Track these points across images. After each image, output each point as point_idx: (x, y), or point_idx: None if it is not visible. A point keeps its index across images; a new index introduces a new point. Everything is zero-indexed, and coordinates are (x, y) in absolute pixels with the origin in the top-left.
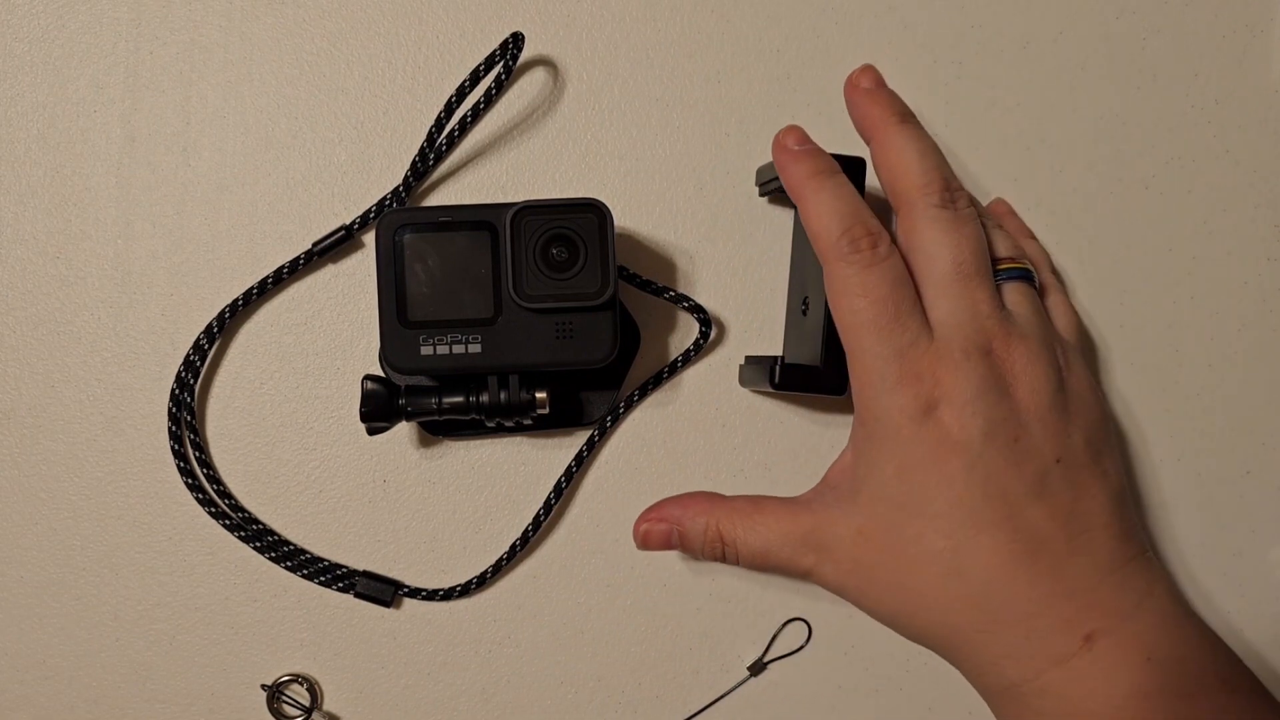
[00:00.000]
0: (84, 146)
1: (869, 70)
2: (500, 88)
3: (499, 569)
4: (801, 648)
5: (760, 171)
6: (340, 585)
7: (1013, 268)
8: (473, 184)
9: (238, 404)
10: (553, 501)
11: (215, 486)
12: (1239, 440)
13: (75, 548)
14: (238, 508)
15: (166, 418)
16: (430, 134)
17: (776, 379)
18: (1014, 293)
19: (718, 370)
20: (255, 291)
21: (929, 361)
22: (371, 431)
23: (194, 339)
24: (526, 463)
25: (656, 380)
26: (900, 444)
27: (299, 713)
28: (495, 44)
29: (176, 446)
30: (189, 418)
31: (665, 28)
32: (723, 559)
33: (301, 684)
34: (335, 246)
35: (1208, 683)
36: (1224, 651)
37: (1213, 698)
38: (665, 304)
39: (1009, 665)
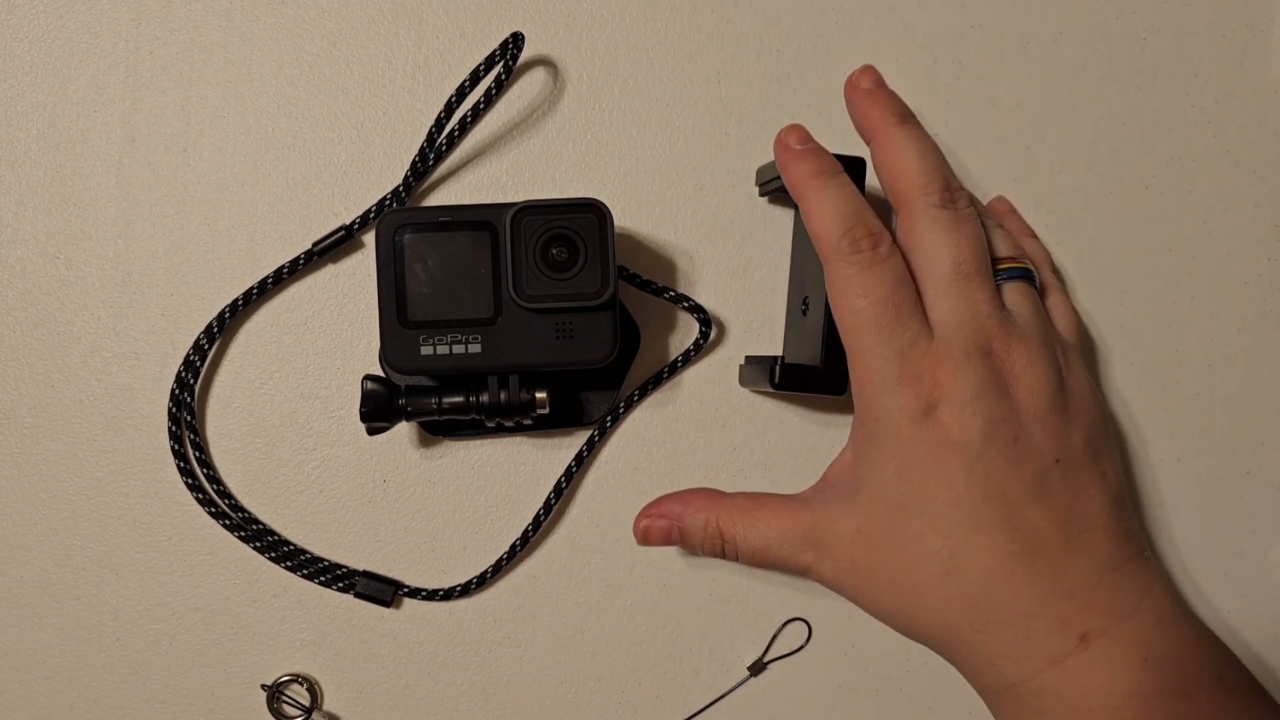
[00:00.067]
0: (84, 146)
1: (869, 70)
2: (500, 88)
3: (499, 569)
4: (801, 648)
5: (760, 171)
6: (340, 585)
7: (1013, 267)
8: (473, 184)
9: (238, 404)
10: (553, 501)
11: (215, 486)
12: (1239, 440)
13: (75, 548)
14: (238, 508)
15: (166, 418)
16: (430, 134)
17: (776, 379)
18: (1014, 292)
19: (718, 370)
20: (255, 291)
21: (929, 362)
22: (371, 431)
23: (194, 339)
24: (526, 463)
25: (656, 380)
26: (900, 444)
27: (299, 713)
28: (495, 44)
29: (176, 446)
30: (189, 418)
31: (665, 28)
32: (722, 555)
33: (301, 684)
34: (335, 246)
35: (1205, 682)
36: (1222, 651)
37: (1210, 697)
38: (665, 304)
39: (1006, 665)
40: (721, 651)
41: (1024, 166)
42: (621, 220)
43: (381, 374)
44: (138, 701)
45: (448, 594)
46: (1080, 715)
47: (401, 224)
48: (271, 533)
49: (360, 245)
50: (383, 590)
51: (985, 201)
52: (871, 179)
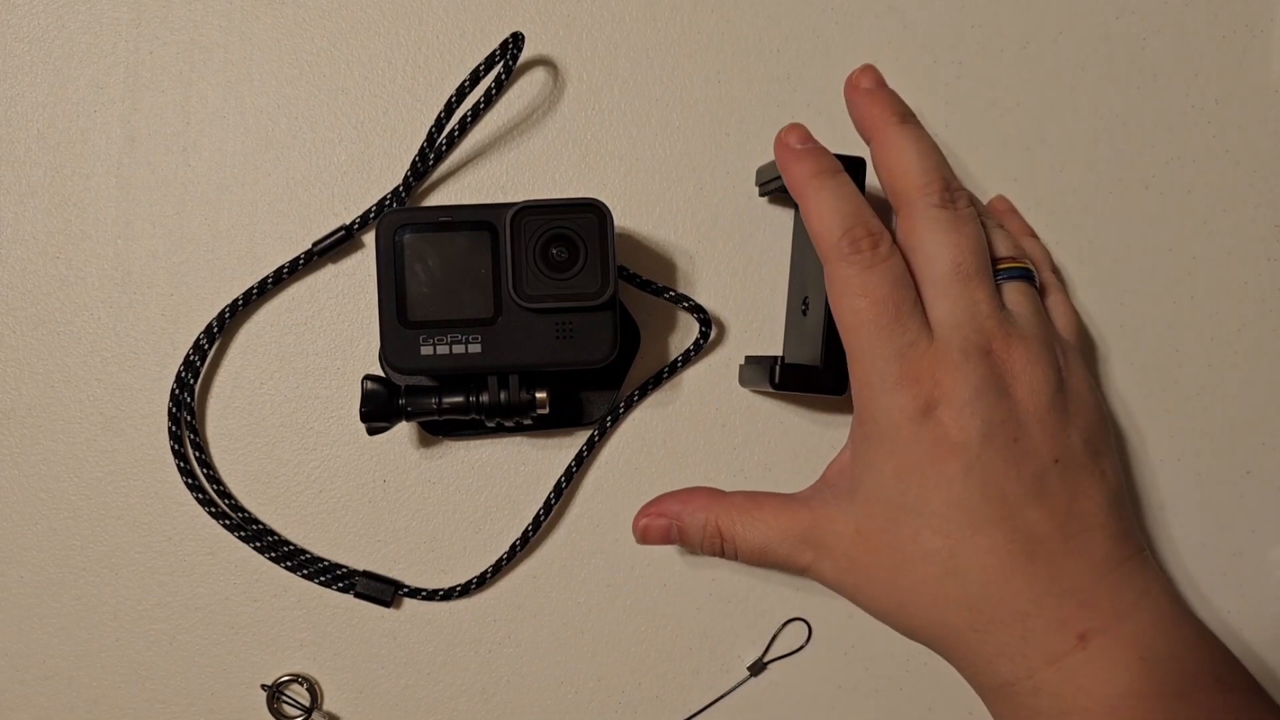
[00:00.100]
0: (84, 146)
1: (869, 70)
2: (500, 88)
3: (499, 569)
4: (801, 648)
5: (760, 171)
6: (340, 585)
7: (1013, 267)
8: (473, 184)
9: (238, 404)
10: (553, 501)
11: (215, 486)
12: (1239, 440)
13: (75, 548)
14: (238, 508)
15: (166, 418)
16: (430, 134)
17: (776, 379)
18: (1014, 292)
19: (718, 370)
20: (255, 291)
21: (928, 362)
22: (371, 431)
23: (194, 339)
24: (526, 463)
25: (656, 380)
26: (899, 444)
27: (299, 713)
28: (495, 44)
29: (176, 446)
30: (189, 418)
31: (665, 28)
32: (721, 554)
33: (301, 684)
34: (335, 246)
35: (1203, 682)
36: (1221, 651)
37: (1208, 696)
38: (665, 304)
39: (1003, 664)
40: (721, 651)
41: (1024, 166)
42: (621, 220)
43: (381, 374)
44: (138, 701)
45: (448, 594)
46: (1077, 714)
47: (401, 224)
48: (271, 533)
49: (360, 245)
50: (383, 590)
51: (985, 201)
52: (872, 179)
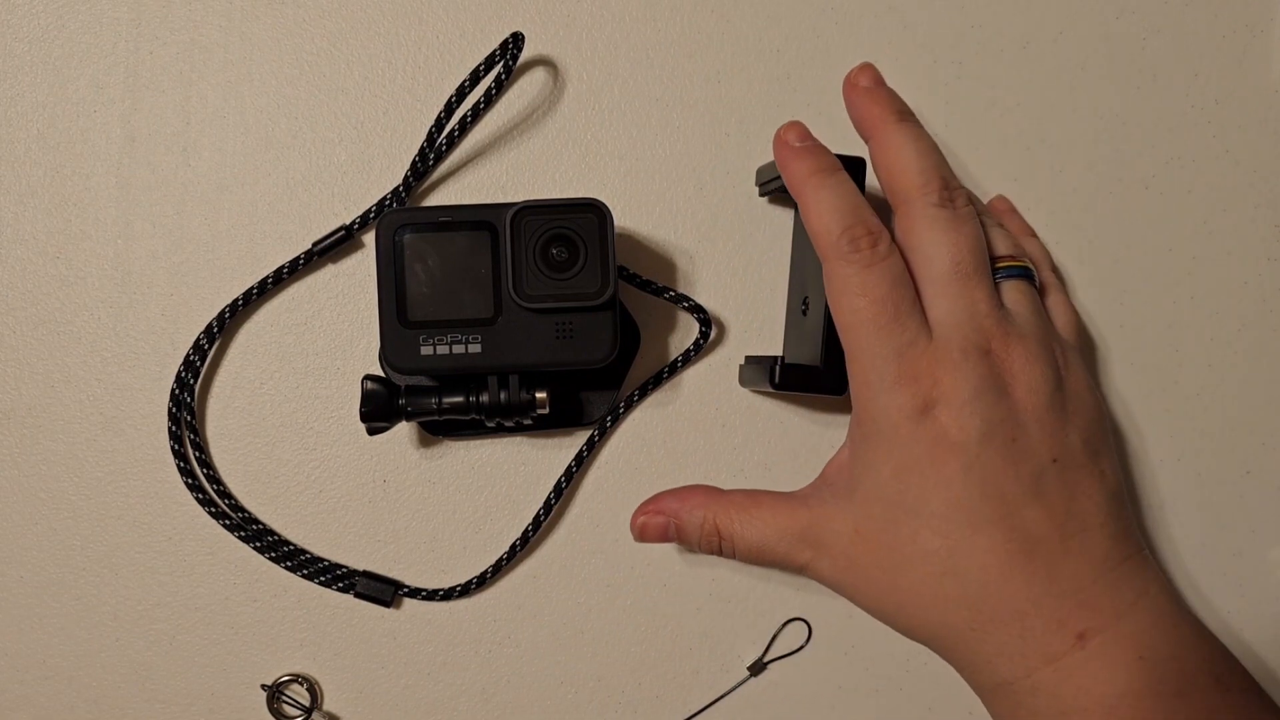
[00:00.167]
0: (84, 146)
1: (867, 69)
2: (500, 88)
3: (499, 569)
4: (801, 648)
5: (760, 171)
6: (340, 585)
7: (1012, 266)
8: (473, 184)
9: (238, 404)
10: (553, 501)
11: (215, 486)
12: (1239, 440)
13: (75, 548)
14: (238, 508)
15: (166, 418)
16: (430, 134)
17: (776, 379)
18: (1013, 291)
19: (718, 370)
20: (255, 291)
21: (927, 361)
22: (371, 431)
23: (194, 339)
24: (526, 463)
25: (656, 380)
26: (897, 443)
27: (299, 713)
28: (495, 44)
29: (176, 446)
30: (189, 418)
31: (665, 28)
32: (719, 553)
33: (301, 684)
34: (335, 246)
35: (1202, 682)
36: (1220, 651)
37: (1206, 697)
38: (665, 304)
39: (1001, 663)
40: (721, 651)
41: (1024, 166)
42: (621, 220)
43: (381, 374)
44: (138, 701)
45: (448, 594)
46: (1075, 714)
47: (401, 224)
48: (271, 533)
49: (360, 245)
50: (383, 590)
51: (985, 201)
52: (872, 180)
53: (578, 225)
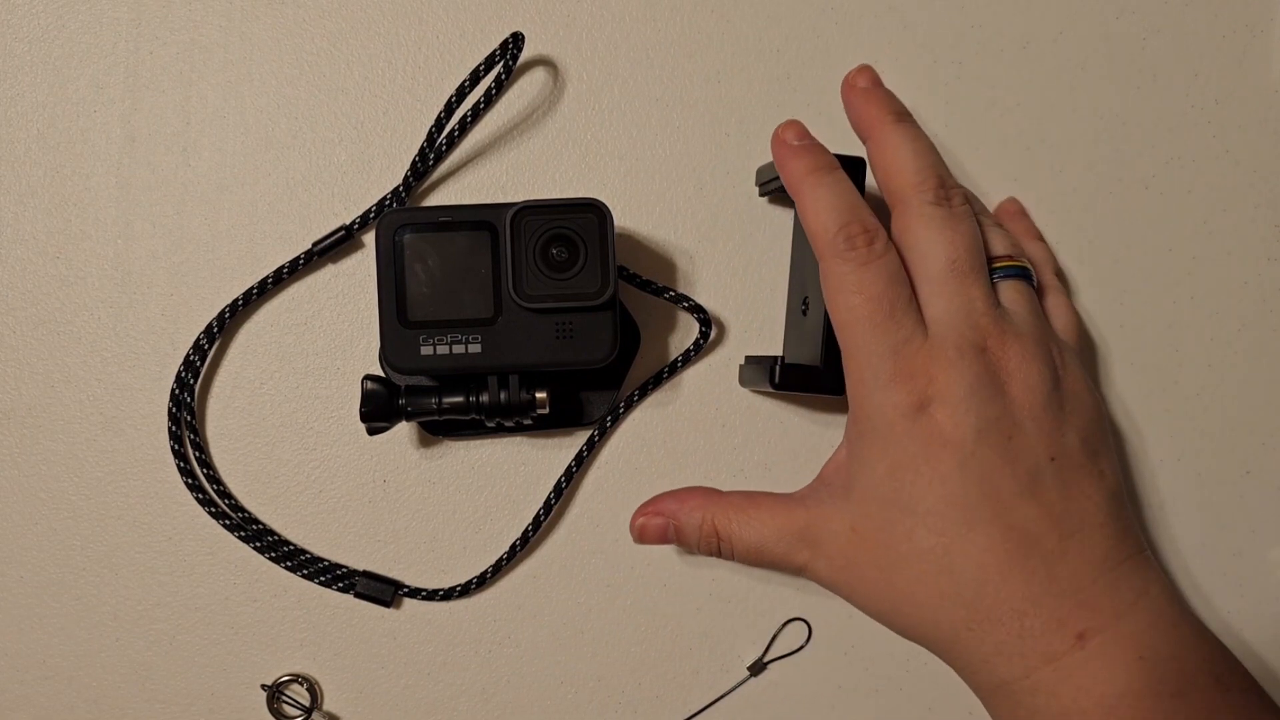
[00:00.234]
0: (84, 146)
1: (865, 70)
2: (500, 88)
3: (499, 569)
4: (801, 648)
5: (760, 171)
6: (340, 585)
7: (1010, 266)
8: (473, 184)
9: (238, 404)
10: (553, 501)
11: (215, 486)
12: (1239, 440)
13: (75, 548)
14: (238, 508)
15: (166, 418)
16: (430, 134)
17: (776, 379)
18: (1010, 290)
19: (718, 370)
20: (255, 291)
21: (923, 359)
22: (371, 431)
23: (194, 339)
24: (526, 463)
25: (656, 380)
26: (893, 441)
27: (299, 713)
28: (495, 44)
29: (176, 446)
30: (189, 418)
31: (665, 28)
32: (718, 554)
33: (301, 684)
34: (335, 246)
35: (1201, 682)
36: (1220, 651)
37: (1206, 697)
38: (665, 304)
39: (1000, 663)
40: (721, 651)
41: (1024, 166)
42: (621, 220)
43: (381, 374)
44: (138, 701)
45: (448, 594)
46: (1075, 714)
47: (401, 224)
48: (271, 533)
49: (360, 245)
50: (383, 590)
51: (995, 203)
52: (871, 182)
53: (578, 225)
